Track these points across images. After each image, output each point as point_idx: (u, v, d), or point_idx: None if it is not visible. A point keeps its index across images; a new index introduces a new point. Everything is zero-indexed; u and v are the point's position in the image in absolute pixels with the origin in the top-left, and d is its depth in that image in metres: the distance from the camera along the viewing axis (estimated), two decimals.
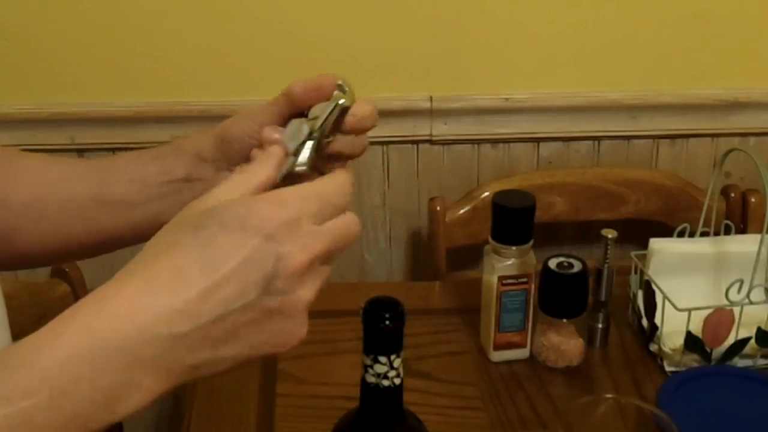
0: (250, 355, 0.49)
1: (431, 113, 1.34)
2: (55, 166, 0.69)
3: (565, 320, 1.00)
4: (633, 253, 1.07)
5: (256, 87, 1.30)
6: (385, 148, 1.36)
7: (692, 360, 1.00)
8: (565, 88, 1.35)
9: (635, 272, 1.07)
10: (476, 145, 1.38)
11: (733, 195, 1.35)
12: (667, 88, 1.36)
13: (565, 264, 0.99)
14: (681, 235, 1.07)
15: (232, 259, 0.46)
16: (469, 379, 1.00)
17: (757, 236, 0.98)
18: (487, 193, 1.32)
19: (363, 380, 0.63)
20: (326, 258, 0.49)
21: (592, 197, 1.36)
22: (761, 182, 0.94)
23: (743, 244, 1.05)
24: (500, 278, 0.98)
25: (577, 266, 0.99)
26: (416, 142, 1.37)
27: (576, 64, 1.35)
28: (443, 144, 1.37)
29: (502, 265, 0.98)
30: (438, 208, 1.31)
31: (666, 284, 1.00)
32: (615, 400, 0.79)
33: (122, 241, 0.68)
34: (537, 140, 1.38)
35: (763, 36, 1.35)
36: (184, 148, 0.67)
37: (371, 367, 0.62)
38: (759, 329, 0.98)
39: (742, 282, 0.96)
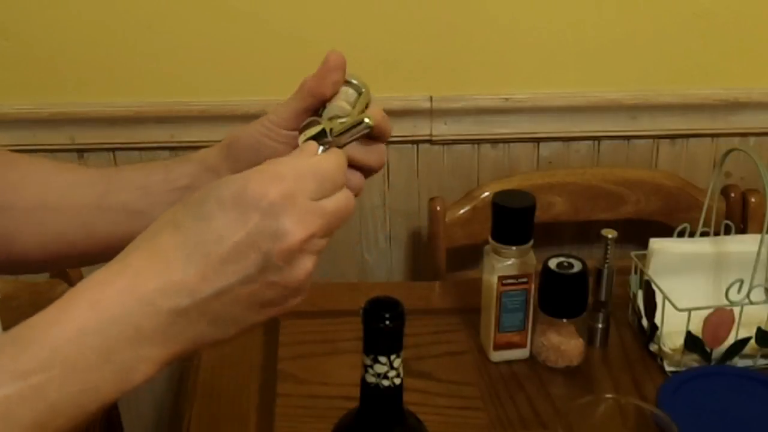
0: (255, 322, 0.49)
1: (431, 113, 1.34)
2: (61, 173, 0.69)
3: (565, 320, 1.00)
4: (633, 253, 1.07)
5: (256, 87, 1.31)
6: (385, 148, 1.36)
7: (692, 360, 1.00)
8: (565, 88, 1.35)
9: (635, 272, 1.07)
10: (476, 145, 1.38)
11: (733, 195, 1.35)
12: (667, 88, 1.36)
13: (565, 264, 0.99)
14: (681, 235, 1.07)
15: (231, 237, 0.47)
16: (469, 379, 1.00)
17: (757, 236, 0.98)
18: (487, 193, 1.32)
19: (363, 380, 0.63)
20: (324, 234, 0.50)
21: (592, 197, 1.36)
22: (761, 182, 0.94)
23: (743, 244, 1.05)
24: (500, 278, 0.98)
25: (577, 266, 0.99)
26: (416, 142, 1.37)
27: (576, 64, 1.35)
28: (443, 144, 1.37)
29: (502, 265, 0.98)
30: (438, 208, 1.31)
31: (666, 284, 1.00)
32: (615, 400, 0.79)
33: (121, 250, 0.68)
34: (537, 140, 1.38)
35: (763, 36, 1.35)
36: (190, 157, 0.67)
37: (371, 367, 0.62)
38: (759, 329, 0.98)
39: (742, 282, 0.96)
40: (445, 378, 1.00)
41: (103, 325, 0.46)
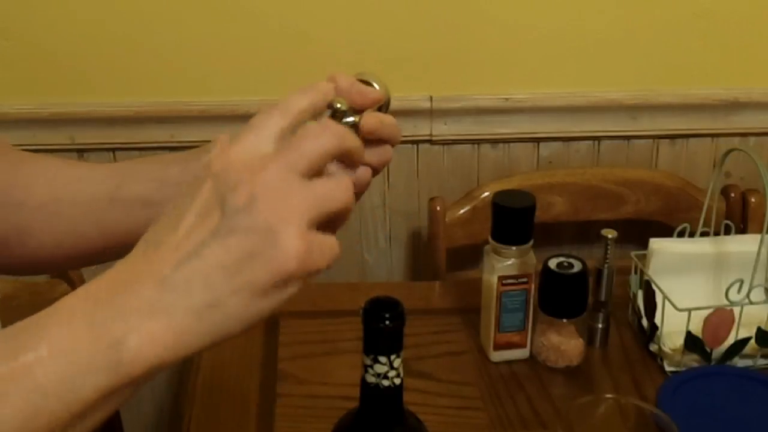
0: (251, 282, 0.46)
1: (431, 113, 1.34)
2: (72, 168, 0.69)
3: (565, 320, 1.00)
4: (633, 253, 1.07)
5: (257, 87, 1.31)
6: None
7: (692, 360, 1.00)
8: (565, 88, 1.35)
9: (635, 272, 1.07)
10: (476, 145, 1.38)
11: (733, 195, 1.35)
12: (667, 88, 1.36)
13: (565, 264, 0.99)
14: (681, 235, 1.07)
15: (193, 206, 0.48)
16: (469, 379, 1.00)
17: (757, 236, 0.98)
18: (487, 193, 1.32)
19: (363, 380, 0.63)
20: (313, 218, 0.48)
21: (592, 197, 1.37)
22: (761, 182, 0.94)
23: (743, 244, 1.05)
24: (500, 278, 0.98)
25: (577, 266, 0.99)
26: (416, 142, 1.37)
27: (576, 64, 1.35)
28: (443, 144, 1.37)
29: (502, 265, 0.98)
30: (438, 208, 1.31)
31: (666, 284, 1.00)
32: (615, 400, 0.79)
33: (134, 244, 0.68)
34: (537, 140, 1.38)
35: (763, 36, 1.35)
36: (207, 147, 0.66)
37: (371, 367, 0.62)
38: (759, 329, 0.98)
39: (742, 282, 0.96)
40: (445, 378, 1.00)
41: (89, 308, 0.46)
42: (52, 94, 1.31)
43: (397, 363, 0.62)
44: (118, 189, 0.66)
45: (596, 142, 1.39)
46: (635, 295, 1.07)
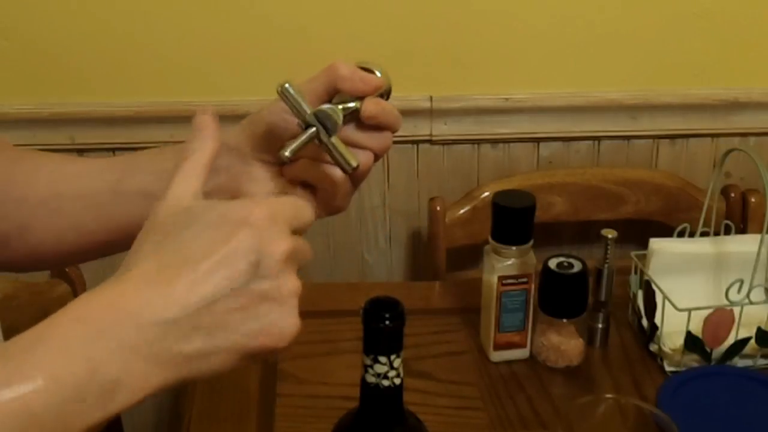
0: (246, 346, 0.48)
1: (431, 113, 1.34)
2: (72, 163, 0.69)
3: (565, 320, 1.00)
4: (633, 253, 1.07)
5: (257, 87, 1.30)
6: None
7: (692, 360, 1.00)
8: (565, 88, 1.35)
9: (635, 272, 1.07)
10: (476, 145, 1.38)
11: (733, 195, 1.35)
12: (667, 88, 1.36)
13: (565, 264, 0.99)
14: (681, 235, 1.07)
15: (220, 249, 0.47)
16: (468, 379, 1.00)
17: (757, 236, 0.98)
18: (487, 193, 1.32)
19: (363, 380, 0.63)
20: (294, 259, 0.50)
21: (592, 197, 1.37)
22: (761, 182, 0.94)
23: (743, 244, 1.05)
24: (500, 278, 0.98)
25: (577, 266, 0.99)
26: (416, 142, 1.37)
27: (576, 64, 1.35)
28: (443, 144, 1.37)
29: (502, 265, 0.98)
30: (438, 208, 1.31)
31: (666, 284, 1.00)
32: (615, 400, 0.79)
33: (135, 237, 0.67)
34: (537, 140, 1.38)
35: (763, 36, 1.35)
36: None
37: (371, 367, 0.62)
38: (759, 329, 0.98)
39: (742, 282, 0.96)
40: (445, 378, 1.00)
41: (89, 337, 0.44)
42: (52, 94, 1.31)
43: (397, 363, 0.62)
44: (119, 182, 0.66)
45: (596, 142, 1.39)
46: (635, 295, 1.07)
